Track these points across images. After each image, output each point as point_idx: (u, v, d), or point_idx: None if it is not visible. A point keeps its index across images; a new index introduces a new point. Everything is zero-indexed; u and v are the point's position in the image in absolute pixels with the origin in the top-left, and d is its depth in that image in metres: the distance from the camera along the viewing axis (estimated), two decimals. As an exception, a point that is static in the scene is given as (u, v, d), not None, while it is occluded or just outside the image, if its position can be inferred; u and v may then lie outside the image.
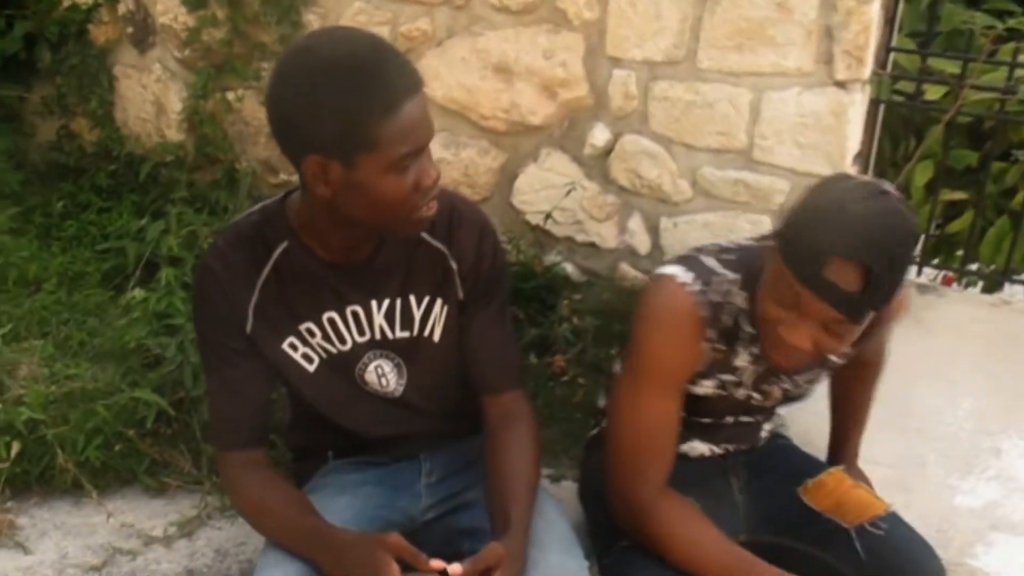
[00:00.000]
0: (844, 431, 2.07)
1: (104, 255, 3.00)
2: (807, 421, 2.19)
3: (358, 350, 1.74)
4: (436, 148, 2.86)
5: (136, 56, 3.28)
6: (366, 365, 1.77)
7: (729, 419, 1.91)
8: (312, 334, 1.71)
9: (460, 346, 1.80)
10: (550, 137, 2.75)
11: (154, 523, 2.20)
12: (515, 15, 2.65)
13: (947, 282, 3.33)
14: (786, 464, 1.96)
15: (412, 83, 1.47)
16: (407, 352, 1.78)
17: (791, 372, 1.75)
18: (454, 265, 1.73)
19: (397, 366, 1.79)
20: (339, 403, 1.83)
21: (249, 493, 1.70)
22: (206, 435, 2.31)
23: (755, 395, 1.82)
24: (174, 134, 3.25)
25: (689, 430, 1.90)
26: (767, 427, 2.00)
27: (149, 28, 3.20)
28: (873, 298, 1.45)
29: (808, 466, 1.92)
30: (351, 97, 1.42)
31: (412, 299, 1.73)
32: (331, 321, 1.70)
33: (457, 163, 2.86)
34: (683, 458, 1.93)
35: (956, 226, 2.96)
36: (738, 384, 1.78)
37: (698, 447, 1.95)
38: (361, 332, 1.73)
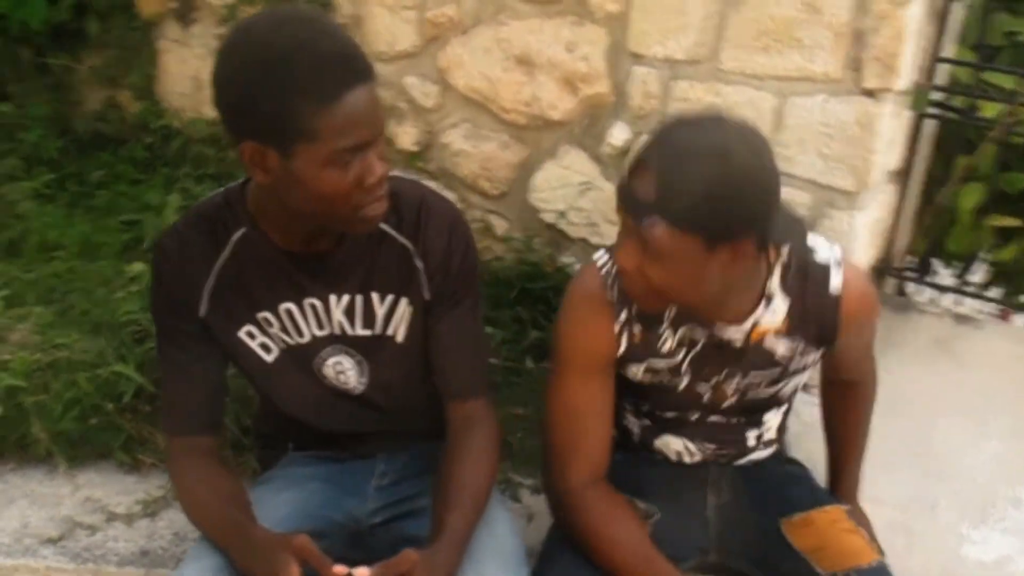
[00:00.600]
0: (839, 463, 1.94)
1: (129, 226, 3.02)
2: (812, 447, 2.04)
3: (317, 344, 1.68)
4: (458, 139, 2.79)
5: (179, 31, 3.29)
6: (324, 360, 1.71)
7: (692, 415, 1.82)
8: (269, 324, 1.65)
9: (426, 348, 1.73)
10: (570, 133, 2.64)
11: (120, 500, 2.18)
12: (540, 5, 2.55)
13: (1004, 316, 3.10)
14: (779, 492, 1.83)
15: (357, 73, 1.38)
16: (369, 350, 1.71)
17: (709, 326, 1.65)
18: (419, 264, 1.65)
19: (358, 363, 1.72)
20: (297, 396, 1.77)
21: (184, 480, 1.66)
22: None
23: (701, 387, 1.73)
24: (209, 111, 3.24)
25: (655, 422, 1.83)
26: (752, 434, 1.87)
27: (192, 3, 3.20)
28: (662, 203, 1.39)
29: (806, 499, 1.79)
30: (287, 84, 1.34)
31: (374, 296, 1.66)
32: (288, 312, 1.64)
33: (477, 155, 2.78)
34: (663, 462, 1.87)
35: (1005, 254, 2.74)
36: (675, 371, 1.70)
37: (672, 443, 1.86)
38: (320, 326, 1.67)
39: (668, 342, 1.67)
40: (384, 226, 1.64)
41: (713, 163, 1.37)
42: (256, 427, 2.06)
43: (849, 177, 2.25)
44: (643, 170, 1.42)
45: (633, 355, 1.68)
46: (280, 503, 1.76)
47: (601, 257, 1.68)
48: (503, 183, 2.78)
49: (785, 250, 1.62)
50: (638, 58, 2.44)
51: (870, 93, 2.19)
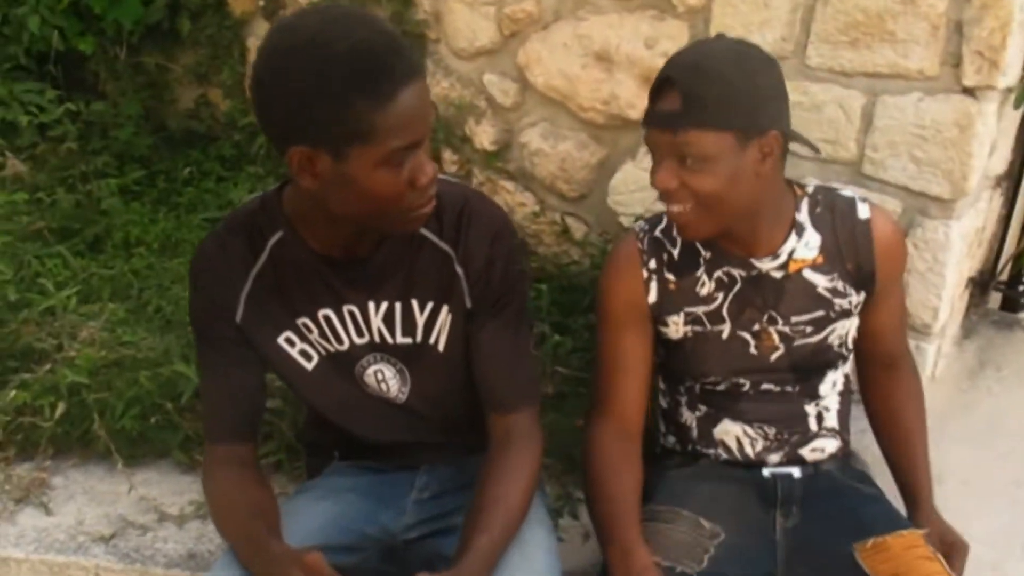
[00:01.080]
0: (905, 477, 1.81)
1: (211, 224, 3.03)
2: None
3: (356, 351, 1.63)
4: (535, 138, 2.70)
5: (267, 29, 3.28)
6: (365, 368, 1.65)
7: (743, 383, 1.75)
8: (309, 330, 1.61)
9: (468, 357, 1.65)
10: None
11: (175, 500, 2.18)
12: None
13: None
14: (852, 514, 1.71)
15: (411, 70, 1.32)
16: (410, 359, 1.65)
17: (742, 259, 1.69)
18: (460, 271, 1.58)
19: (399, 372, 1.66)
20: (339, 404, 1.72)
21: (214, 489, 1.64)
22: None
23: (745, 335, 1.71)
24: (295, 109, 3.23)
25: (710, 405, 1.80)
26: (812, 409, 1.78)
27: (279, 1, 3.20)
28: (691, 110, 1.49)
29: (880, 522, 1.66)
30: (343, 84, 1.29)
31: (415, 303, 1.60)
32: (327, 319, 1.59)
33: (554, 156, 2.68)
34: (730, 477, 1.79)
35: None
36: (715, 317, 1.71)
37: (731, 430, 1.79)
38: (360, 333, 1.61)
39: (706, 285, 1.70)
40: (425, 231, 1.57)
41: (728, 62, 1.49)
42: (304, 434, 2.02)
43: (944, 183, 2.07)
44: (665, 87, 1.53)
45: (669, 305, 1.71)
46: (316, 514, 1.71)
47: (640, 222, 1.78)
48: (581, 184, 2.67)
49: (810, 187, 1.70)
50: (719, 54, 2.29)
51: (970, 91, 2.00)
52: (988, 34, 1.95)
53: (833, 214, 1.67)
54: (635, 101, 2.48)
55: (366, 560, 1.71)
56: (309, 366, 1.66)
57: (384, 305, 1.59)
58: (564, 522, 2.12)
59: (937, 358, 2.33)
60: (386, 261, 1.57)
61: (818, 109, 2.17)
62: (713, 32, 2.27)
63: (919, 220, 2.13)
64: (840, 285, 1.67)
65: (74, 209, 2.92)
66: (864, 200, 1.68)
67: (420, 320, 1.62)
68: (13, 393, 2.26)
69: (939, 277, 2.13)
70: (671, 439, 1.90)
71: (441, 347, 1.64)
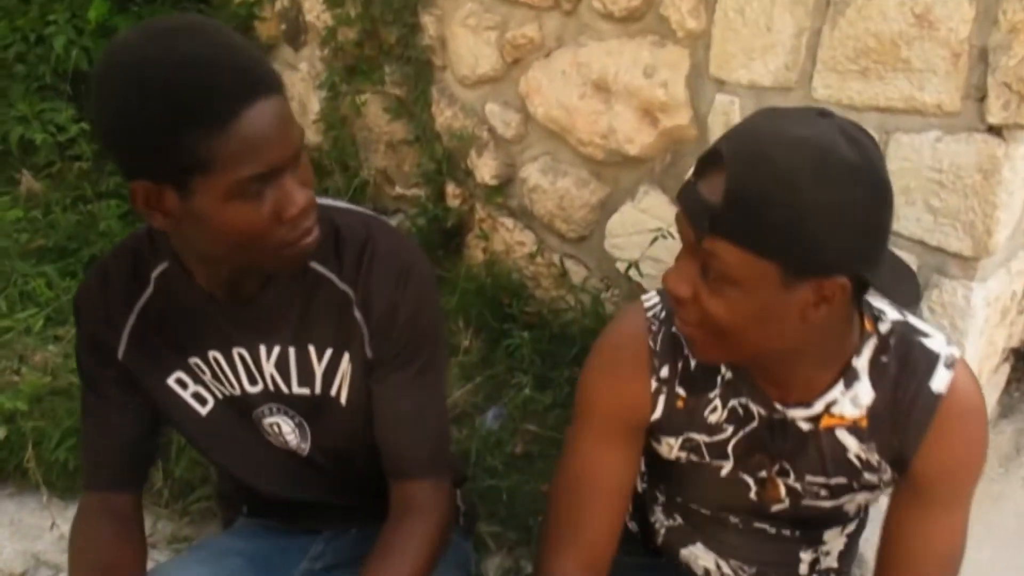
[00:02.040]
0: None
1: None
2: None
3: (251, 399, 1.44)
4: (534, 173, 2.49)
5: (292, 54, 3.19)
6: (261, 417, 1.46)
7: (732, 518, 1.43)
8: (202, 371, 1.42)
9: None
10: (651, 172, 2.27)
11: (94, 542, 2.02)
12: (620, 23, 2.21)
13: None
14: None
15: (254, 87, 1.12)
16: (309, 412, 1.45)
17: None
18: (359, 315, 1.37)
19: (299, 425, 1.47)
20: (237, 454, 1.54)
21: (74, 539, 1.48)
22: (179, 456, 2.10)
23: (747, 479, 1.34)
24: (312, 135, 3.11)
25: (688, 521, 1.49)
26: (807, 556, 1.47)
27: (301, 26, 3.09)
28: (732, 216, 1.06)
29: None
30: (167, 108, 1.09)
31: (311, 349, 1.40)
32: (216, 361, 1.41)
33: (552, 193, 2.46)
34: (685, 571, 1.53)
35: None
36: (718, 452, 1.33)
37: (701, 558, 1.50)
38: (252, 380, 1.42)
39: (717, 412, 1.31)
40: (321, 268, 1.37)
41: (804, 165, 1.04)
42: (217, 484, 1.85)
43: (965, 238, 1.76)
44: (712, 167, 1.10)
45: (670, 425, 1.34)
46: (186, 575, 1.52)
47: (651, 298, 1.34)
48: (580, 225, 2.44)
49: (885, 323, 1.25)
50: (720, 84, 2.05)
51: (996, 130, 1.70)
52: (1017, 63, 1.65)
53: (903, 370, 1.24)
54: (633, 136, 2.24)
55: None
56: (204, 411, 1.47)
57: (276, 350, 1.40)
58: (509, 600, 1.88)
59: (962, 443, 2.00)
60: (277, 302, 1.36)
61: (824, 148, 1.89)
62: (713, 61, 2.03)
63: (936, 280, 1.82)
64: (875, 459, 1.29)
65: (74, 228, 2.84)
66: (952, 365, 1.22)
67: (319, 369, 1.41)
68: (-49, 416, 2.16)
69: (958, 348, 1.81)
70: (633, 524, 1.64)
71: (343, 399, 1.43)
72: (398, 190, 2.92)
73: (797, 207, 1.04)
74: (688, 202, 1.12)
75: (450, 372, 2.33)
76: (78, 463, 2.12)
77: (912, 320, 1.27)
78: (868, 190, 1.07)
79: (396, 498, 1.44)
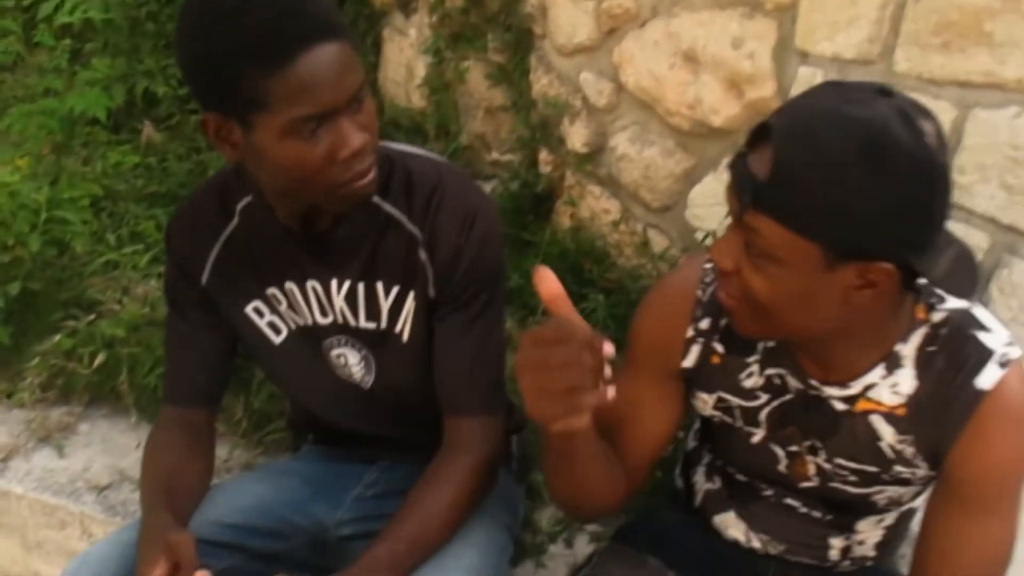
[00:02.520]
0: None
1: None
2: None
3: (320, 331, 1.55)
4: (623, 142, 2.52)
5: (402, 20, 3.28)
6: (329, 348, 1.57)
7: (765, 489, 1.46)
8: (279, 301, 1.54)
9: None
10: (735, 144, 2.28)
11: (176, 461, 2.16)
12: (713, -7, 2.22)
13: None
14: None
15: (312, 32, 1.21)
16: (375, 345, 1.55)
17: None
18: (424, 256, 1.45)
19: (364, 358, 1.57)
20: (304, 383, 1.66)
21: (150, 449, 1.63)
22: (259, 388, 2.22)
23: (778, 450, 1.36)
24: (417, 100, 3.21)
25: (726, 489, 1.51)
26: (838, 542, 1.47)
27: (413, -8, 3.19)
28: (776, 193, 1.06)
29: None
30: (231, 48, 1.20)
31: (379, 286, 1.49)
32: (291, 292, 1.53)
33: (639, 162, 2.49)
34: (718, 537, 1.54)
35: None
36: (751, 418, 1.35)
37: (732, 526, 1.52)
38: (323, 312, 1.53)
39: (753, 377, 1.32)
40: (392, 209, 1.46)
41: (852, 146, 1.03)
42: (289, 412, 1.96)
43: (1039, 217, 1.73)
44: (762, 140, 1.09)
45: (704, 379, 1.36)
46: (244, 494, 1.66)
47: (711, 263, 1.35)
48: (664, 195, 2.47)
49: (940, 312, 1.23)
50: (805, 56, 2.04)
51: (1078, 108, 1.67)
52: (1103, 40, 1.61)
53: (950, 363, 1.21)
54: (719, 107, 2.25)
55: (292, 550, 1.63)
56: (277, 340, 1.58)
57: (347, 284, 1.49)
58: (555, 549, 1.93)
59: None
60: (348, 238, 1.46)
61: (903, 122, 1.88)
62: (799, 33, 2.02)
63: (1007, 259, 1.79)
64: (910, 452, 1.28)
65: (185, 176, 3.01)
66: (1007, 364, 1.19)
67: (385, 305, 1.50)
68: (58, 338, 2.33)
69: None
70: (680, 482, 1.67)
71: (405, 336, 1.52)
72: (494, 155, 2.99)
73: (842, 188, 1.03)
74: (736, 174, 1.12)
75: (524, 332, 2.38)
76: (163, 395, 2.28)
77: (976, 311, 1.24)
78: (919, 175, 1.05)
79: (448, 433, 1.52)
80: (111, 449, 2.21)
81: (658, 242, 2.53)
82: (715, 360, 1.34)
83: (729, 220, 1.17)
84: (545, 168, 2.79)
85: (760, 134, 1.10)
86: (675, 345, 1.35)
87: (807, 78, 2.04)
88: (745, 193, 1.09)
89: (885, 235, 1.06)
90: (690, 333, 1.34)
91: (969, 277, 1.15)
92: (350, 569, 1.37)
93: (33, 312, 2.48)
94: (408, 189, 1.46)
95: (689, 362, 1.35)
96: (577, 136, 2.63)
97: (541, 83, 2.71)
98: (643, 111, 2.48)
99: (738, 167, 1.12)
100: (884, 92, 1.07)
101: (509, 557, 1.68)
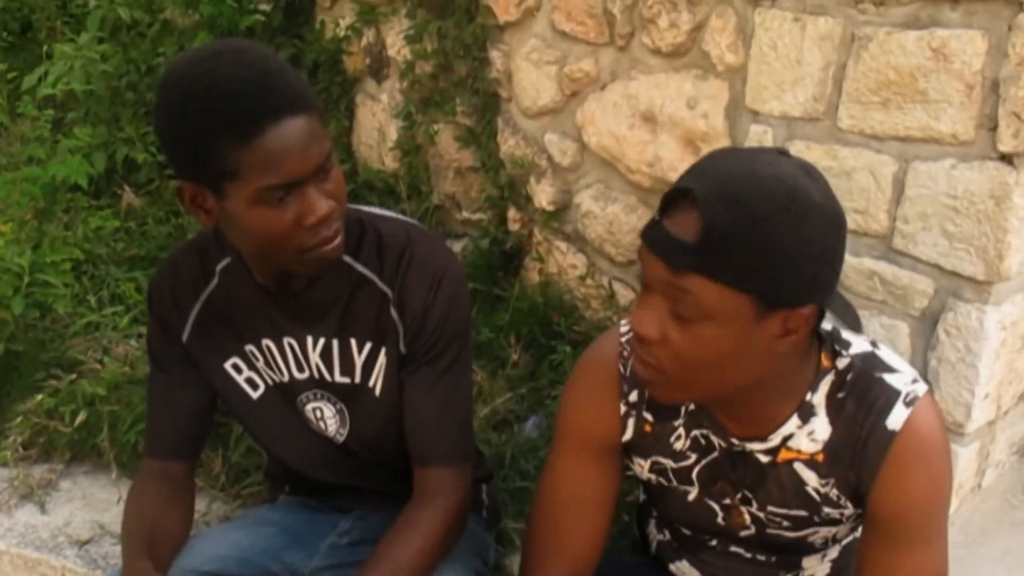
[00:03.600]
0: None
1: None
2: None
3: (297, 386, 1.61)
4: (587, 200, 2.63)
5: (375, 86, 3.40)
6: (305, 403, 1.63)
7: (710, 540, 1.52)
8: (256, 358, 1.61)
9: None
10: (693, 199, 2.38)
11: (156, 516, 2.20)
12: (667, 58, 2.34)
13: None
14: None
15: (281, 106, 1.28)
16: (349, 399, 1.62)
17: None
18: (395, 314, 1.53)
19: (339, 411, 1.63)
20: (281, 437, 1.72)
21: (130, 499, 1.66)
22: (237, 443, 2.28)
23: (713, 505, 1.42)
24: (389, 162, 3.31)
25: (676, 541, 1.57)
26: None
27: (384, 60, 3.30)
28: (710, 252, 1.10)
29: None
30: (203, 121, 1.28)
31: (353, 343, 1.57)
32: (268, 349, 1.59)
33: (603, 218, 2.59)
34: None
35: None
36: (684, 478, 1.40)
37: (686, 570, 1.59)
38: (300, 368, 1.60)
39: (681, 439, 1.38)
40: (364, 269, 1.54)
41: (776, 205, 1.10)
42: (267, 464, 2.01)
43: (978, 262, 1.83)
44: (683, 204, 1.14)
45: (640, 446, 1.42)
46: (221, 541, 1.70)
47: (626, 324, 1.40)
48: (628, 249, 2.56)
49: (844, 358, 1.29)
50: (755, 115, 2.16)
51: (1007, 158, 1.77)
52: (1027, 95, 1.73)
53: (860, 407, 1.27)
54: (677, 164, 2.35)
55: None
56: (255, 395, 1.65)
57: (322, 341, 1.56)
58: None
59: (982, 465, 2.04)
60: (322, 297, 1.54)
61: (848, 176, 1.99)
62: (749, 93, 2.14)
63: (952, 303, 1.89)
64: (834, 494, 1.33)
65: (165, 239, 3.08)
66: (912, 403, 1.26)
67: (359, 360, 1.58)
68: (40, 397, 2.39)
69: (972, 369, 1.87)
70: (636, 531, 1.74)
71: (378, 391, 1.59)
72: (464, 214, 3.09)
73: (771, 243, 1.10)
74: (658, 241, 1.15)
75: (495, 383, 2.46)
76: (143, 450, 2.33)
77: (881, 354, 1.31)
78: (831, 224, 1.14)
79: (418, 482, 1.57)
80: (92, 504, 2.26)
81: (624, 295, 2.62)
82: (647, 428, 1.40)
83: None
84: (514, 225, 2.89)
85: (674, 200, 1.15)
86: (611, 423, 1.40)
87: (758, 135, 2.15)
88: (674, 257, 1.13)
89: (806, 280, 1.13)
90: (623, 409, 1.39)
91: (853, 313, 1.26)
92: None
93: (16, 372, 2.54)
94: (379, 250, 1.54)
95: (627, 435, 1.41)
96: (543, 194, 2.74)
97: (508, 144, 2.82)
98: (606, 169, 2.59)
99: (658, 235, 1.16)
100: (782, 152, 1.18)
101: None
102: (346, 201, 1.42)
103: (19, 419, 2.40)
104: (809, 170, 1.16)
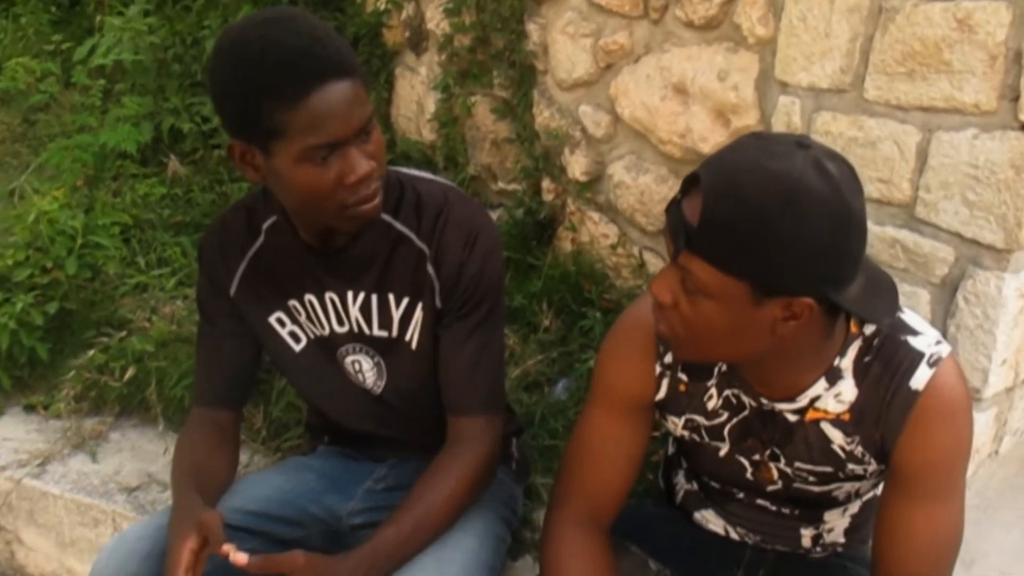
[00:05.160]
0: None
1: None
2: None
3: (337, 339, 1.70)
4: (619, 170, 2.69)
5: (414, 59, 3.47)
6: (344, 355, 1.72)
7: (738, 493, 1.60)
8: (299, 312, 1.70)
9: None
10: (722, 169, 2.43)
11: (200, 466, 2.31)
12: (699, 31, 2.39)
13: None
14: None
15: (325, 70, 1.36)
16: (386, 352, 1.71)
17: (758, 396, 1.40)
18: (431, 270, 1.61)
19: (376, 364, 1.72)
20: (322, 389, 1.81)
21: (179, 445, 1.76)
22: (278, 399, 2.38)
23: (743, 460, 1.50)
24: (427, 134, 3.38)
25: (703, 492, 1.65)
26: (808, 533, 1.61)
27: (423, 34, 3.37)
28: (705, 237, 1.17)
29: None
30: (253, 84, 1.37)
31: (391, 297, 1.65)
32: (311, 304, 1.68)
33: (635, 188, 2.65)
34: (698, 528, 1.69)
35: None
36: (716, 434, 1.48)
37: (712, 521, 1.67)
38: (340, 322, 1.68)
39: (713, 399, 1.45)
40: (403, 227, 1.62)
41: (772, 201, 1.15)
42: (307, 416, 2.10)
43: (998, 230, 1.87)
44: (695, 187, 1.21)
45: (674, 404, 1.49)
46: (264, 484, 1.80)
47: None
48: (659, 219, 2.62)
49: (871, 326, 1.34)
50: (784, 87, 2.20)
51: (1028, 129, 1.82)
52: (1049, 66, 1.77)
53: (885, 369, 1.34)
54: (707, 135, 2.41)
55: (308, 537, 1.76)
56: (297, 348, 1.73)
57: (361, 296, 1.65)
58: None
59: (999, 432, 2.08)
60: (362, 253, 1.62)
61: (873, 146, 2.03)
62: (778, 65, 2.19)
63: (971, 271, 1.93)
64: (859, 451, 1.40)
65: (209, 206, 3.18)
66: (936, 363, 1.32)
67: (396, 315, 1.66)
68: (91, 354, 2.50)
69: (989, 336, 1.91)
70: (661, 482, 1.81)
71: (414, 344, 1.67)
72: (500, 185, 3.16)
73: (766, 236, 1.15)
74: (671, 219, 1.24)
75: (527, 347, 2.53)
76: (191, 400, 2.43)
77: (906, 318, 1.36)
78: (834, 220, 1.17)
79: (451, 430, 1.65)
80: (140, 455, 2.37)
81: (654, 264, 2.68)
82: (682, 388, 1.47)
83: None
84: (547, 196, 2.95)
85: (691, 182, 1.22)
86: (647, 382, 1.47)
87: (786, 107, 2.20)
88: (679, 237, 1.21)
89: (805, 274, 1.18)
90: (658, 370, 1.47)
91: (886, 300, 1.29)
92: (361, 547, 1.51)
93: (69, 330, 2.67)
94: (418, 209, 1.62)
95: (661, 394, 1.48)
96: (577, 165, 2.80)
97: (543, 116, 2.88)
98: (638, 141, 2.65)
99: (673, 213, 1.24)
100: (802, 144, 1.20)
101: (506, 547, 1.81)
102: (385, 162, 1.50)
103: (72, 374, 2.52)
104: (823, 163, 1.18)
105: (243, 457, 2.28)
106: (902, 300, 2.00)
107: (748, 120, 2.31)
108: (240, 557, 1.40)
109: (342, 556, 1.48)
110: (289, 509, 1.73)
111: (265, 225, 1.66)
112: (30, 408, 2.58)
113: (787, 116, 2.20)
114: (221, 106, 1.46)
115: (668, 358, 1.46)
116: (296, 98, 1.35)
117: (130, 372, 2.45)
